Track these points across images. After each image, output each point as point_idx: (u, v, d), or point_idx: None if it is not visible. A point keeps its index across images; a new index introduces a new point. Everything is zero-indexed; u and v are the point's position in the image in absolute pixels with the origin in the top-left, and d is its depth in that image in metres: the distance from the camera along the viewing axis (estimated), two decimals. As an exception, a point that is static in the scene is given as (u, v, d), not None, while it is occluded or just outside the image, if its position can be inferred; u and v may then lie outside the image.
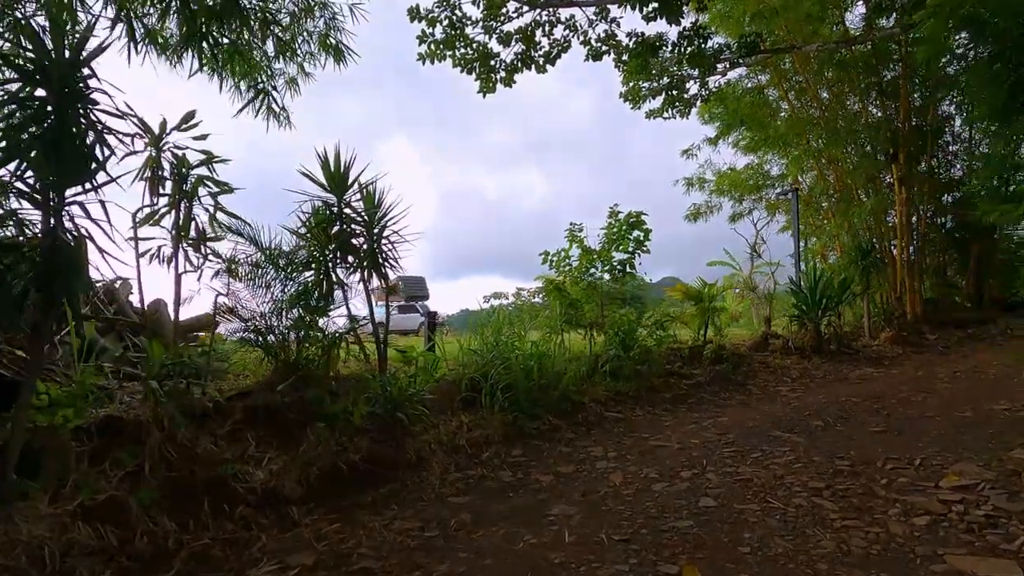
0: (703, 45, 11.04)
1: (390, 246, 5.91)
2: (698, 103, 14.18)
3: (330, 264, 5.62)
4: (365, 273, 5.79)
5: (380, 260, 5.86)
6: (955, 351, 10.35)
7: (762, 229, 16.89)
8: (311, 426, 4.47)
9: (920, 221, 12.20)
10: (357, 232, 5.79)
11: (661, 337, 8.71)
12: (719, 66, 13.41)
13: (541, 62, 11.16)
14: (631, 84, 14.13)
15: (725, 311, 9.55)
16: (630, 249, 8.73)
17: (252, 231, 5.37)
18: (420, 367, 6.24)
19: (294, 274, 5.47)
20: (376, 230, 5.84)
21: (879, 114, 11.71)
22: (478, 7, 10.38)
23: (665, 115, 14.19)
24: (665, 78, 13.79)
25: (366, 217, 5.75)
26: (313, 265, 5.60)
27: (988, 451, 4.35)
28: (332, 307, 5.63)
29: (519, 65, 10.98)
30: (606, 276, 8.92)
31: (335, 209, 5.57)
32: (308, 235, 5.63)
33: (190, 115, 4.99)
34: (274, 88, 6.45)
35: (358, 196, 5.71)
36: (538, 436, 5.41)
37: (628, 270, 8.92)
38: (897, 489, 3.69)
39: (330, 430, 4.49)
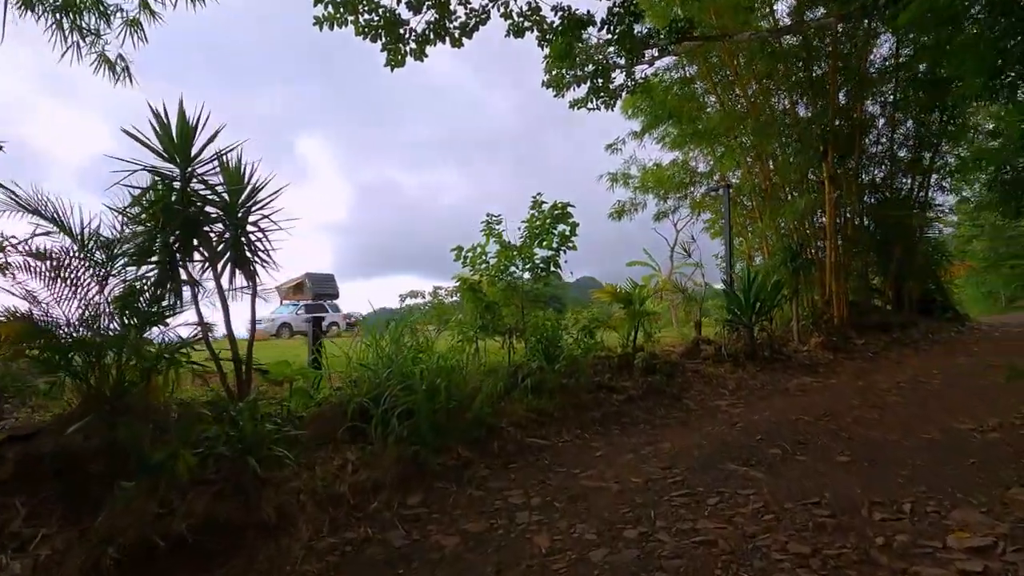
0: (633, 24, 10.32)
1: (259, 235, 4.71)
2: (624, 94, 13.51)
3: (176, 256, 4.35)
4: (225, 268, 4.55)
5: (247, 252, 4.65)
6: (884, 357, 10.11)
7: (684, 228, 16.58)
8: (119, 482, 3.22)
9: (846, 222, 12.03)
10: (213, 216, 4.54)
11: (589, 345, 7.86)
12: (647, 52, 12.81)
13: (456, 34, 10.06)
14: (554, 72, 13.31)
15: (655, 315, 8.79)
16: (555, 245, 7.84)
17: (56, 209, 4.02)
18: (296, 388, 5.05)
19: (121, 269, 4.17)
20: (240, 214, 4.62)
21: (809, 111, 11.40)
22: (384, -35, 9.19)
23: (589, 105, 13.44)
24: (590, 65, 13.06)
25: (227, 197, 4.52)
26: (154, 258, 4.31)
27: (981, 489, 3.68)
28: (176, 312, 4.36)
29: (431, 36, 9.85)
30: (527, 275, 7.99)
31: (178, 184, 4.29)
32: (143, 217, 4.33)
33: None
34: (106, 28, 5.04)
35: (215, 169, 4.47)
36: (444, 475, 4.36)
37: (552, 268, 8.02)
38: (900, 552, 2.90)
39: (149, 486, 3.26)
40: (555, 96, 13.58)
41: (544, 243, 7.88)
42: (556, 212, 7.64)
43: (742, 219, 13.67)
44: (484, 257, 7.89)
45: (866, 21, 11.48)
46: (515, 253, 7.74)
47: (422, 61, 10.27)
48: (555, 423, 5.97)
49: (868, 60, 11.73)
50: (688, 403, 7.08)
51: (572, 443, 5.44)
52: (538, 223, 7.60)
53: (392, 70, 10.28)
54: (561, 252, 7.91)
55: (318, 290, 33.79)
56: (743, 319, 9.34)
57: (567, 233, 7.73)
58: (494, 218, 7.65)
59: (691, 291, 12.85)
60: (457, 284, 7.53)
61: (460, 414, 5.10)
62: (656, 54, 13.12)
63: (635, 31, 10.69)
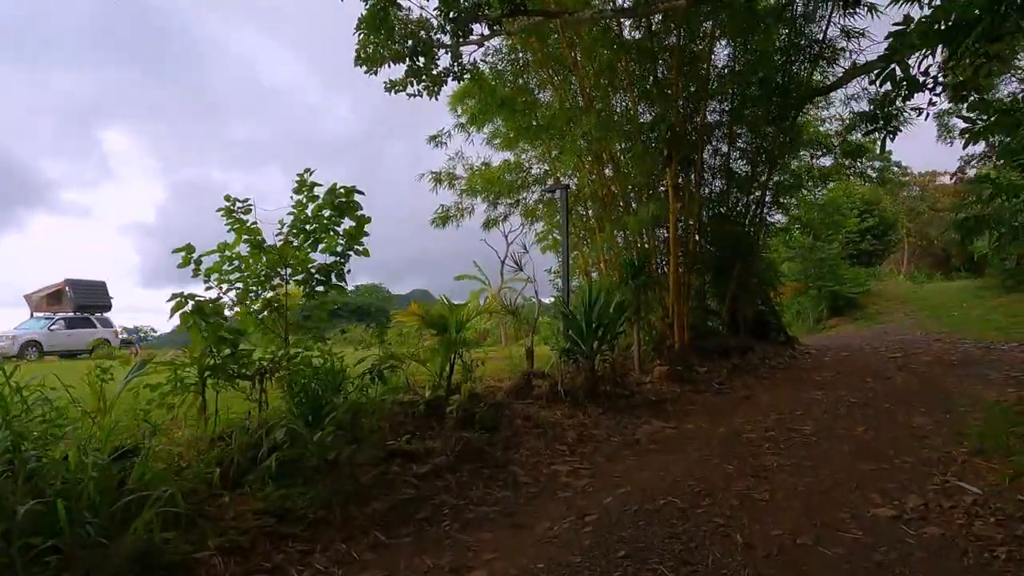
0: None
1: None
2: (450, 79, 11.63)
3: None
4: None
5: None
6: (731, 389, 9.11)
7: (516, 239, 15.02)
8: None
9: (689, 236, 11.11)
10: None
11: (383, 390, 5.73)
12: (476, 28, 11.08)
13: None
14: (366, 44, 11.11)
15: (485, 332, 6.85)
16: (338, 247, 5.63)
17: None
18: None
19: None
20: None
21: (653, 112, 10.27)
22: None
23: (409, 90, 11.41)
24: (410, 41, 11.03)
25: None
26: None
27: None
28: None
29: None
30: (298, 288, 5.70)
31: None
32: None
33: None
34: None
35: None
36: None
37: (336, 281, 5.79)
38: None
39: None
40: (366, 73, 11.36)
41: (325, 244, 5.64)
42: (337, 199, 5.43)
43: (579, 229, 12.35)
44: (232, 263, 5.44)
45: (710, 22, 10.68)
46: (278, 258, 5.40)
47: None
48: (308, 532, 3.75)
49: (711, 63, 10.96)
50: (517, 472, 5.19)
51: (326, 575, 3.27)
52: (306, 215, 5.33)
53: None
54: (346, 258, 5.72)
55: (82, 300, 28.07)
56: (583, 348, 7.74)
57: (354, 231, 5.55)
58: (241, 204, 5.22)
59: (520, 309, 11.24)
60: (176, 303, 4.97)
61: (112, 543, 2.73)
62: (486, 32, 11.45)
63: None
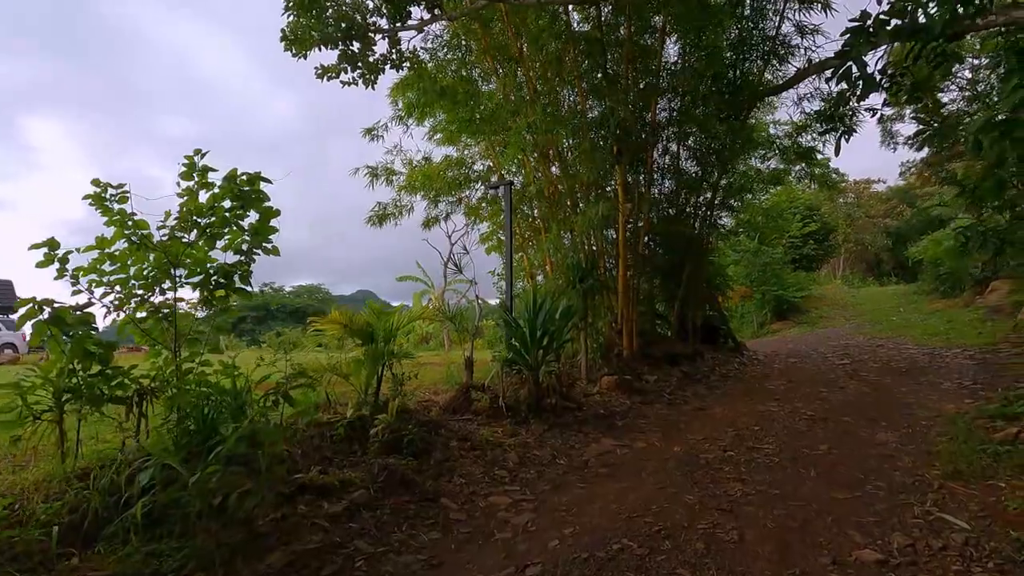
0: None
1: None
2: (387, 67, 10.86)
3: None
4: None
5: None
6: (682, 399, 8.66)
7: (459, 240, 14.31)
8: None
9: (638, 238, 10.63)
10: None
11: (293, 412, 4.95)
12: (415, 12, 10.33)
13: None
14: (296, 24, 10.26)
15: (411, 355, 6.14)
16: (243, 245, 4.82)
17: None
18: None
19: None
20: None
21: (604, 105, 9.71)
22: None
23: (343, 77, 10.59)
24: (343, 24, 10.22)
25: None
26: None
27: None
28: None
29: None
30: (192, 294, 4.87)
31: None
32: None
33: None
34: None
35: None
36: None
37: (239, 285, 4.97)
38: None
39: None
40: (295, 56, 10.49)
41: (229, 240, 4.82)
42: (239, 188, 4.61)
43: (524, 230, 11.75)
44: (113, 264, 4.55)
45: (660, 16, 10.26)
46: (166, 258, 4.54)
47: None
48: (176, 604, 2.97)
49: (662, 59, 10.52)
50: (449, 506, 4.49)
51: None
52: (196, 203, 4.51)
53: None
54: (253, 258, 4.91)
55: (-18, 302, 25.83)
56: (526, 358, 7.10)
57: (260, 225, 4.75)
58: (115, 191, 4.33)
59: (462, 312, 10.52)
60: (28, 311, 4.06)
61: None
62: (426, 16, 10.72)
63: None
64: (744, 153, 11.69)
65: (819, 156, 11.31)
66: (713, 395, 9.04)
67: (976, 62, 13.59)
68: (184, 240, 4.57)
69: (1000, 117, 5.59)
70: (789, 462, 5.33)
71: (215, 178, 4.64)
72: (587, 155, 9.00)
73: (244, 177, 4.63)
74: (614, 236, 10.35)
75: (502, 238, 12.57)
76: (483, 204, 12.35)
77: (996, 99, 9.52)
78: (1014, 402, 6.62)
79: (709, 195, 11.83)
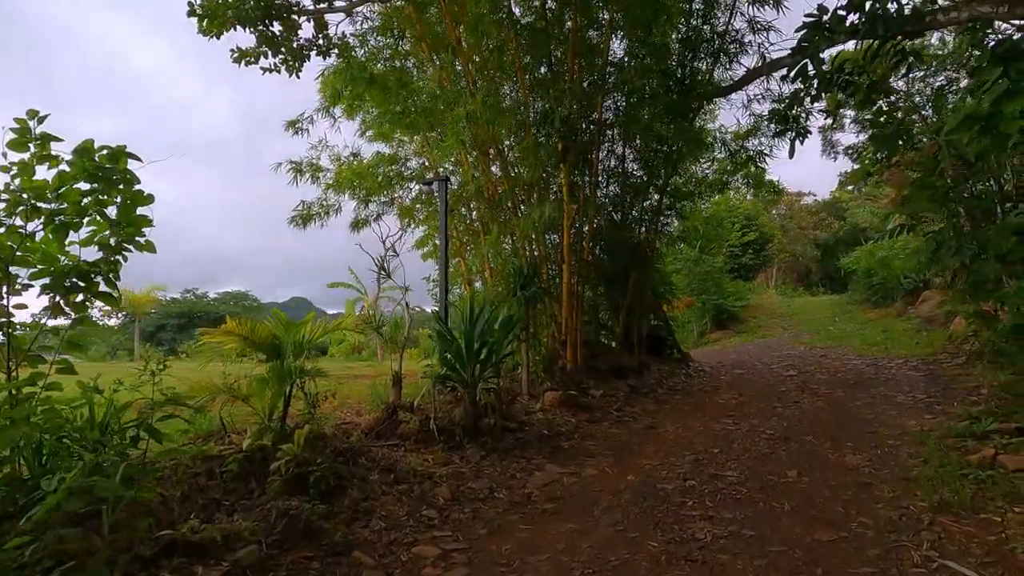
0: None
1: None
2: (313, 53, 9.95)
3: None
4: None
5: None
6: (631, 416, 8.05)
7: (394, 244, 13.37)
8: None
9: (583, 243, 10.00)
10: None
11: (168, 447, 4.00)
12: (343, -9, 9.45)
13: None
14: (210, 5, 9.26)
15: (322, 374, 5.23)
16: (110, 240, 3.86)
17: None
18: None
19: None
20: None
21: (548, 100, 9.02)
22: None
23: (263, 63, 9.63)
24: (263, 1, 9.26)
25: None
26: None
27: None
28: None
29: None
30: (40, 299, 3.86)
31: None
32: None
33: None
34: None
35: None
36: None
37: (103, 288, 3.99)
38: None
39: None
40: (205, 36, 9.46)
41: (91, 234, 3.85)
42: (101, 167, 3.65)
43: (462, 233, 10.98)
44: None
45: (606, 12, 9.72)
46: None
47: None
48: None
49: (608, 55, 9.96)
50: (363, 562, 3.66)
51: None
52: (48, 186, 3.53)
53: None
54: (122, 255, 3.94)
55: None
56: (462, 374, 6.31)
57: (129, 209, 3.79)
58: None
59: (396, 321, 9.59)
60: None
61: None
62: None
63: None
64: (692, 156, 11.27)
65: (768, 160, 10.98)
66: (663, 411, 8.47)
67: (913, 74, 13.69)
68: (21, 231, 3.58)
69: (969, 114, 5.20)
70: (758, 492, 4.72)
71: (62, 152, 3.66)
72: (530, 152, 8.31)
73: (105, 153, 3.68)
74: (558, 240, 9.69)
75: (438, 242, 11.76)
76: (418, 205, 11.49)
77: (947, 108, 9.38)
78: (980, 419, 6.27)
79: (656, 199, 11.34)
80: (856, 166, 17.21)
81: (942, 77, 15.84)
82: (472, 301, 6.66)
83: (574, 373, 9.41)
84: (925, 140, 11.96)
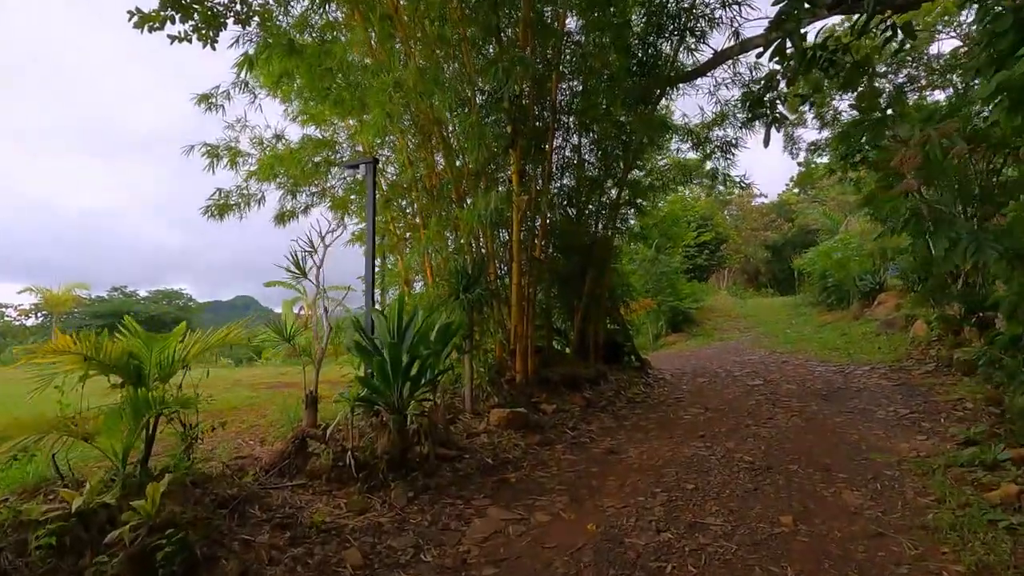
0: None
1: None
2: (230, 21, 8.66)
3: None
4: None
5: None
6: (588, 437, 7.10)
7: (335, 240, 12.09)
8: None
9: (536, 240, 8.98)
10: None
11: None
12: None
13: None
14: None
15: (188, 406, 4.02)
16: None
17: None
18: None
19: None
20: None
21: (496, 78, 7.93)
22: None
23: (170, 30, 8.28)
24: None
25: None
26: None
27: None
28: None
29: None
30: None
31: None
32: None
33: None
34: None
35: None
36: None
37: None
38: None
39: None
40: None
41: None
42: None
43: (397, 227, 9.83)
44: None
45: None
46: None
47: None
48: None
49: (564, 31, 8.96)
50: None
51: None
52: None
53: None
54: None
55: None
56: (387, 396, 5.20)
57: None
58: None
59: (339, 323, 8.34)
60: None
61: None
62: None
63: None
64: (653, 146, 10.37)
65: (736, 151, 10.15)
66: (623, 429, 7.52)
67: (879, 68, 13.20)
68: None
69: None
70: (751, 552, 3.76)
71: None
72: (475, 132, 7.22)
73: None
74: (507, 237, 8.65)
75: (380, 240, 10.59)
76: (352, 196, 10.28)
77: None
78: (987, 443, 5.51)
79: (615, 193, 10.41)
80: (819, 162, 16.71)
81: (903, 75, 15.50)
82: (401, 306, 5.53)
83: (524, 386, 8.39)
84: (891, 137, 11.43)
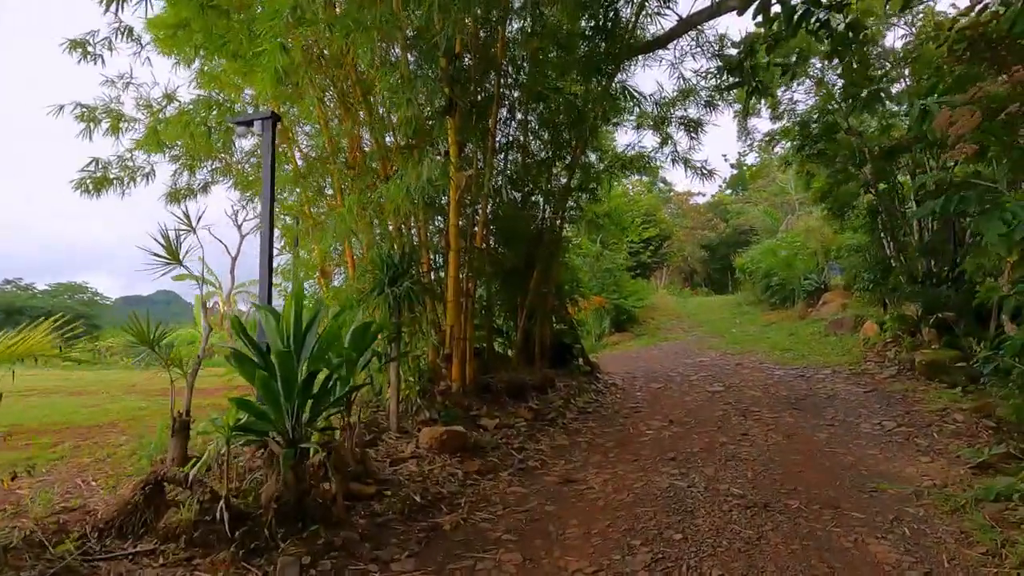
0: None
1: None
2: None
3: None
4: None
5: None
6: (539, 460, 5.95)
7: (253, 228, 10.50)
8: None
9: (476, 229, 7.74)
10: None
11: None
12: None
13: None
14: None
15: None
16: None
17: None
18: None
19: None
20: None
21: (428, 39, 6.62)
22: None
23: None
24: None
25: None
26: None
27: None
28: None
29: None
30: None
31: None
32: None
33: None
34: None
35: None
36: None
37: None
38: None
39: None
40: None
41: None
42: None
43: (309, 206, 8.41)
44: None
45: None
46: None
47: None
48: None
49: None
50: None
51: None
52: None
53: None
54: None
55: None
56: (276, 423, 3.85)
57: None
58: None
59: (243, 321, 6.87)
60: None
61: None
62: None
63: None
64: (611, 121, 9.30)
65: (703, 131, 9.17)
66: (579, 448, 6.39)
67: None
68: None
69: None
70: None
71: None
72: (407, 85, 5.93)
73: None
74: (443, 223, 7.38)
75: (289, 222, 9.12)
76: (257, 173, 8.76)
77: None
78: (1003, 464, 4.65)
79: (564, 179, 9.29)
80: (775, 154, 16.10)
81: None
82: (299, 303, 4.18)
83: (461, 396, 7.14)
84: (847, 129, 10.83)
